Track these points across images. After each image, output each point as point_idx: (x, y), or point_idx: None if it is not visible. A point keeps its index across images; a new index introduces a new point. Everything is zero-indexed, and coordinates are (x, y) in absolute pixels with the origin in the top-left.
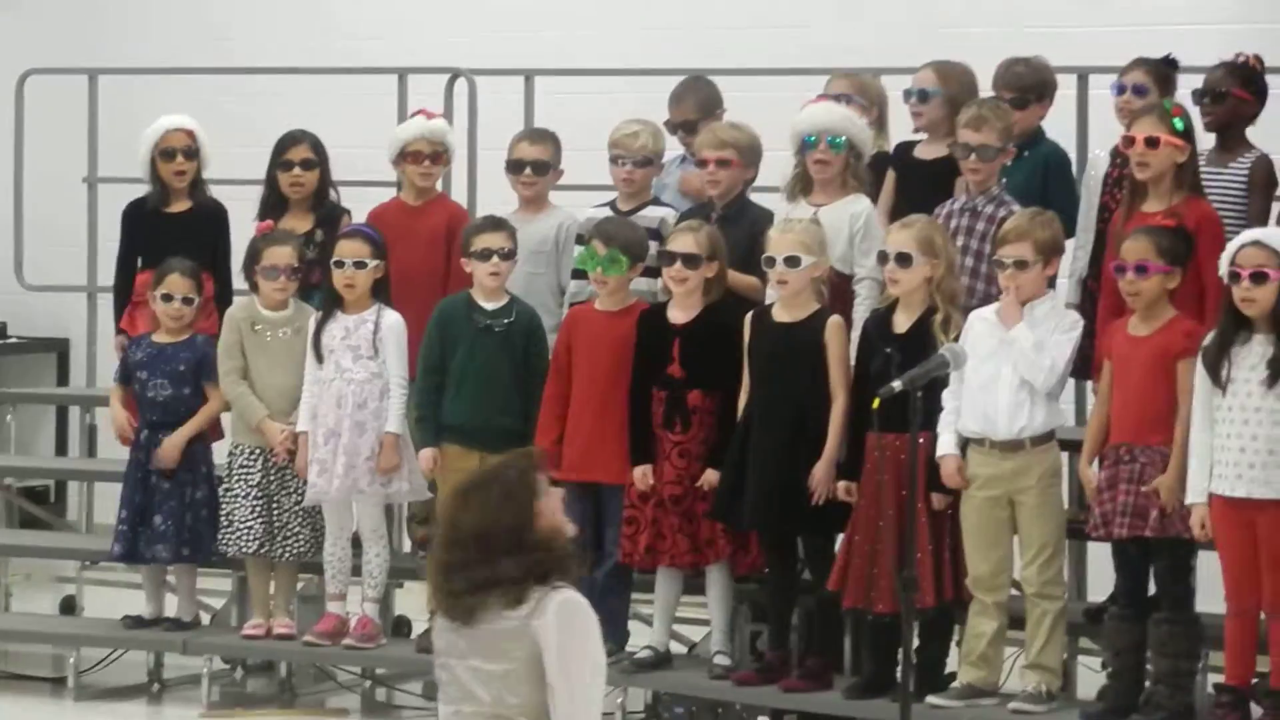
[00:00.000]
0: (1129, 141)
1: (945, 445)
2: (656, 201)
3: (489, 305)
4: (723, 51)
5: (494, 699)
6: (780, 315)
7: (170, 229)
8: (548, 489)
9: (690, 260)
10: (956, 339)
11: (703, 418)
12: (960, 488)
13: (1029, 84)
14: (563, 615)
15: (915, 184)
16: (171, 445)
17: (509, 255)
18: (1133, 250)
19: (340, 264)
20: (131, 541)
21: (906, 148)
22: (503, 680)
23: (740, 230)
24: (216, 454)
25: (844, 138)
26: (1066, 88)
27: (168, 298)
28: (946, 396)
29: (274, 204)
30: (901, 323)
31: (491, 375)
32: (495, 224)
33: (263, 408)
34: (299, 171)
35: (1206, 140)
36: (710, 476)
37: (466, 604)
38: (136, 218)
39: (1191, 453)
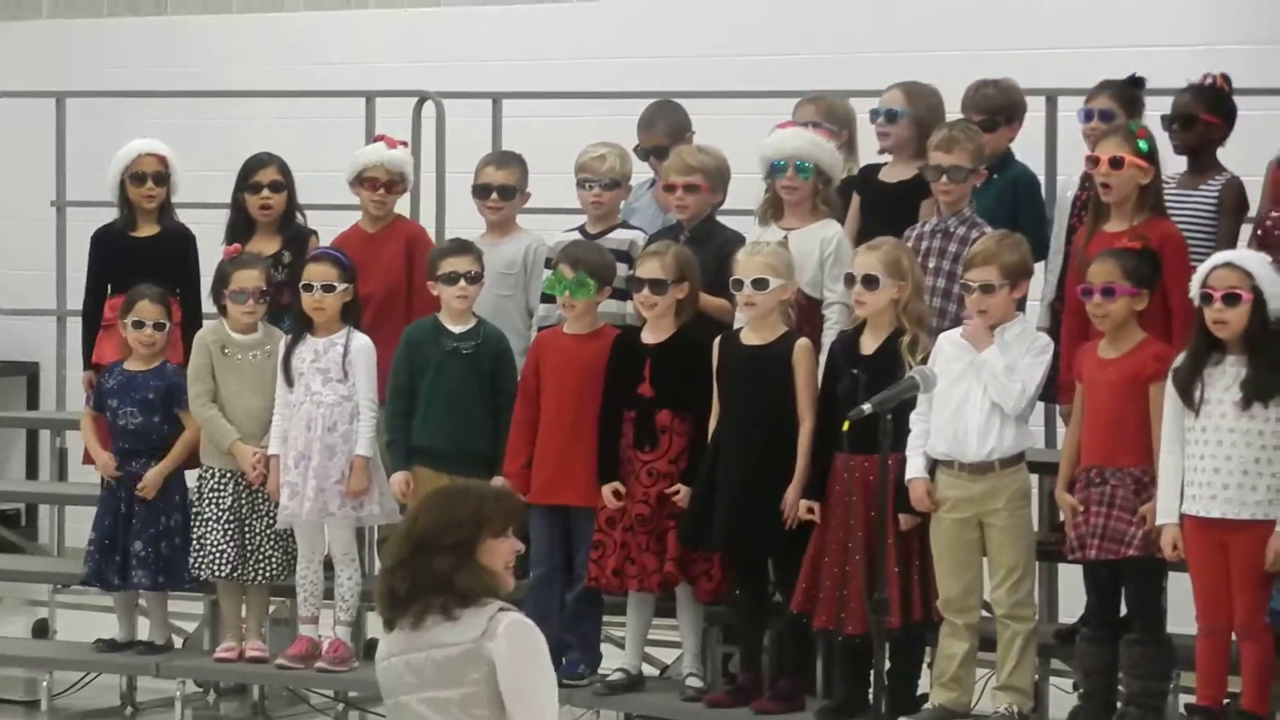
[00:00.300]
0: (1093, 162)
1: (914, 469)
2: (625, 225)
3: (456, 328)
4: (690, 75)
5: None
6: (749, 338)
7: (138, 254)
8: (509, 535)
9: (657, 286)
10: (924, 361)
11: (672, 438)
12: (929, 510)
13: (998, 106)
14: (514, 637)
15: (880, 207)
16: (156, 475)
17: (475, 279)
18: (1099, 273)
19: (309, 287)
20: (100, 565)
21: (871, 171)
22: (460, 704)
23: (709, 252)
24: (188, 479)
25: (811, 163)
26: (1035, 110)
27: (139, 324)
28: (914, 419)
29: (241, 227)
30: (868, 344)
31: (460, 398)
32: (462, 247)
33: (233, 431)
34: (267, 194)
35: (1178, 163)
36: (682, 490)
37: (410, 606)
38: (104, 243)
39: (1161, 474)
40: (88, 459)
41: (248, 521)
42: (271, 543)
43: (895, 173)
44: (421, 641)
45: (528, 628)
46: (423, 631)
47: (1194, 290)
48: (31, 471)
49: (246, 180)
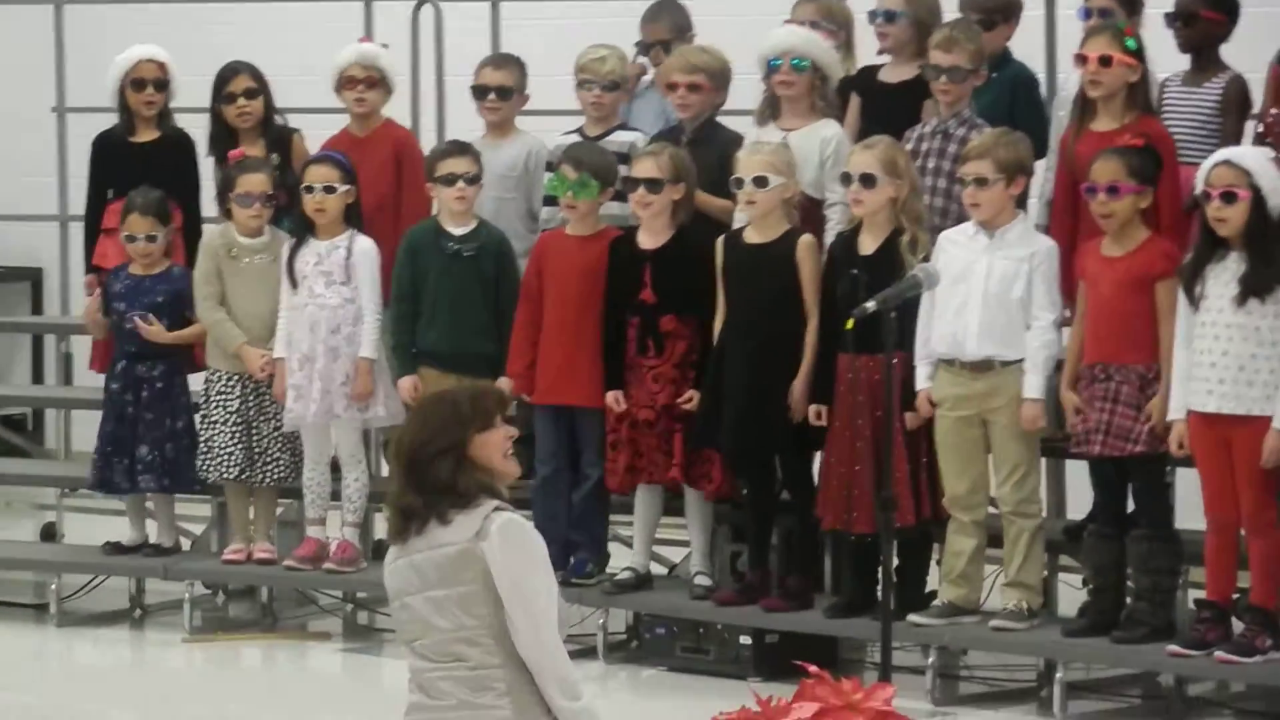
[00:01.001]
0: (1081, 60)
1: (921, 378)
2: (624, 126)
3: (457, 230)
4: None
5: (454, 624)
6: (751, 236)
7: (138, 159)
8: (499, 425)
9: (652, 185)
10: (925, 260)
11: (675, 342)
12: (927, 416)
13: (995, 5)
14: (506, 536)
15: (880, 108)
16: (165, 333)
17: (474, 180)
18: (1103, 171)
19: (310, 189)
20: (107, 470)
21: (870, 71)
22: (459, 604)
23: (710, 153)
24: (192, 383)
25: (808, 59)
26: (1034, 8)
27: (130, 238)
28: (920, 323)
29: (222, 138)
30: (867, 244)
31: (463, 300)
32: (460, 149)
33: (241, 334)
34: (243, 101)
35: (1181, 61)
36: (693, 396)
37: (407, 516)
38: (105, 148)
39: (1171, 370)
40: (95, 364)
41: (255, 424)
42: (279, 445)
43: (895, 73)
44: (422, 543)
45: (520, 526)
46: (425, 534)
47: (1196, 188)
48: (37, 376)
49: (221, 91)
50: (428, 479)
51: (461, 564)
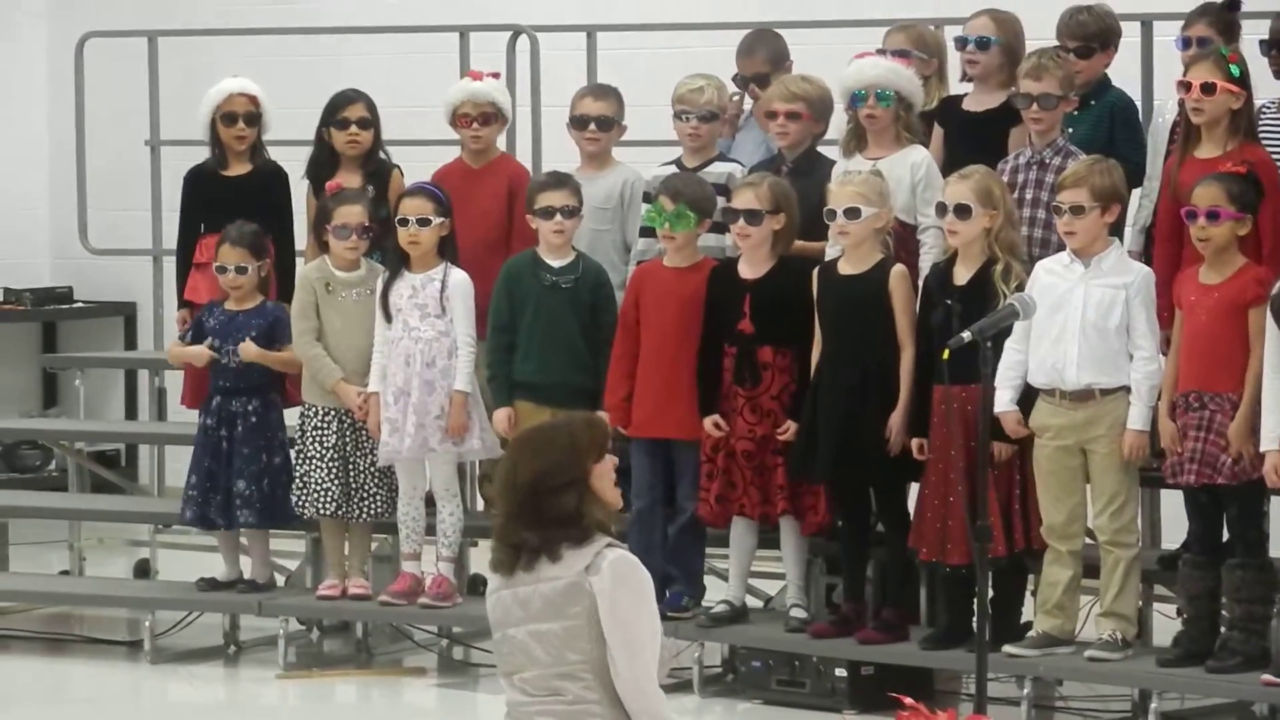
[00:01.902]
0: (1185, 87)
1: (1002, 402)
2: (723, 157)
3: (555, 263)
4: (784, 5)
5: (554, 658)
6: (845, 268)
7: (230, 192)
8: (605, 455)
9: (752, 216)
10: (1018, 289)
11: (774, 374)
12: (1022, 436)
13: (1093, 32)
14: (618, 572)
15: (966, 136)
16: (258, 352)
17: (573, 213)
18: (1204, 196)
19: (404, 222)
20: (202, 506)
21: (952, 101)
22: (562, 638)
23: (811, 184)
24: (287, 418)
25: (891, 90)
26: (1130, 34)
27: (221, 270)
28: (1008, 349)
29: (323, 162)
30: (961, 275)
31: (560, 332)
32: (559, 181)
33: (338, 369)
34: (355, 130)
35: (1276, 88)
36: (790, 427)
37: (520, 551)
38: (196, 182)
39: (1265, 399)
40: (185, 400)
41: (352, 459)
42: (375, 480)
43: (980, 101)
44: (529, 576)
45: (632, 564)
46: (534, 569)
47: None
48: (130, 412)
49: (334, 115)
50: (549, 512)
51: (569, 598)
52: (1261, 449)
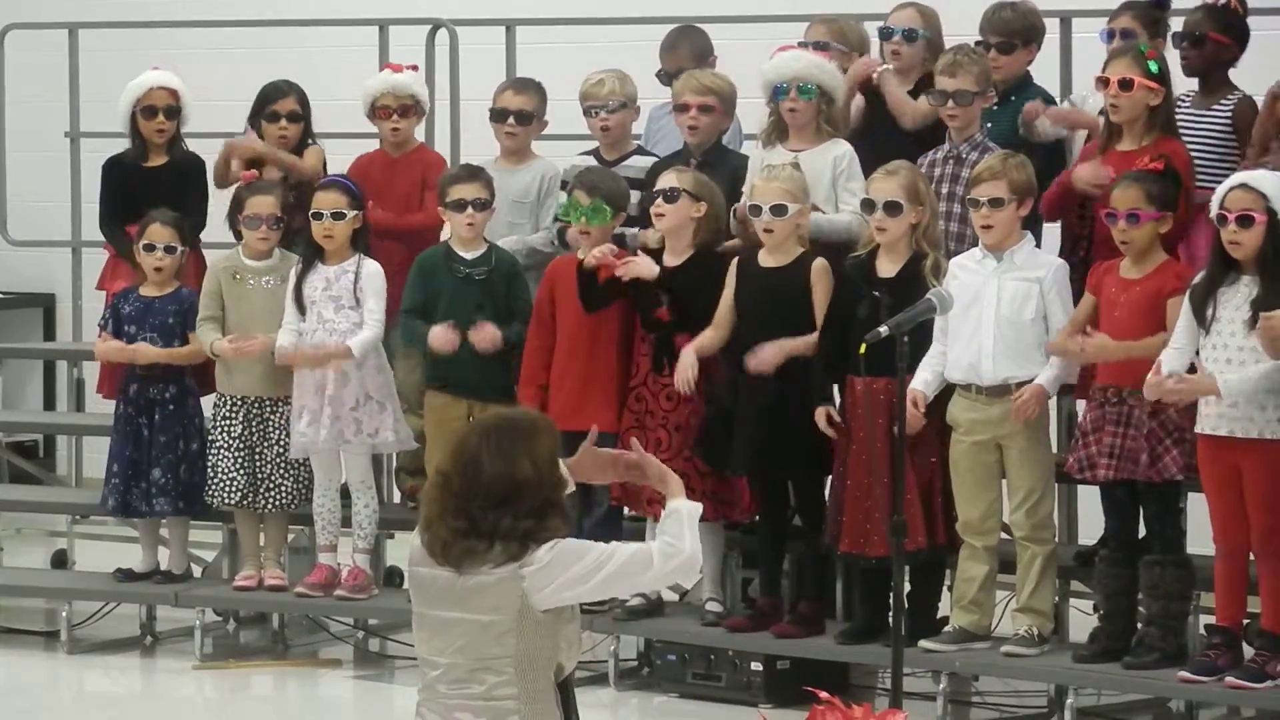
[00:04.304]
0: (1103, 83)
1: (917, 381)
2: (640, 150)
3: (468, 254)
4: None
5: (475, 649)
6: (766, 260)
7: (148, 183)
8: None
9: (670, 195)
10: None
11: None
12: (917, 422)
13: (1016, 29)
14: (555, 550)
15: (884, 119)
16: (156, 351)
17: (484, 206)
18: (1124, 199)
19: (319, 215)
20: (124, 494)
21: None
22: (485, 630)
23: (721, 176)
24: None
25: (814, 84)
26: (1050, 31)
27: (150, 247)
28: (935, 338)
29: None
30: (887, 268)
31: (474, 323)
32: (471, 174)
33: (217, 334)
34: (285, 124)
35: (1191, 83)
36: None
37: (458, 548)
38: (116, 173)
39: (1162, 360)
40: (102, 388)
41: (258, 450)
42: (282, 471)
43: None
44: (467, 563)
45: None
46: (473, 555)
47: (1212, 211)
48: (49, 402)
49: (264, 108)
50: (527, 510)
51: (500, 591)
52: (1150, 379)
